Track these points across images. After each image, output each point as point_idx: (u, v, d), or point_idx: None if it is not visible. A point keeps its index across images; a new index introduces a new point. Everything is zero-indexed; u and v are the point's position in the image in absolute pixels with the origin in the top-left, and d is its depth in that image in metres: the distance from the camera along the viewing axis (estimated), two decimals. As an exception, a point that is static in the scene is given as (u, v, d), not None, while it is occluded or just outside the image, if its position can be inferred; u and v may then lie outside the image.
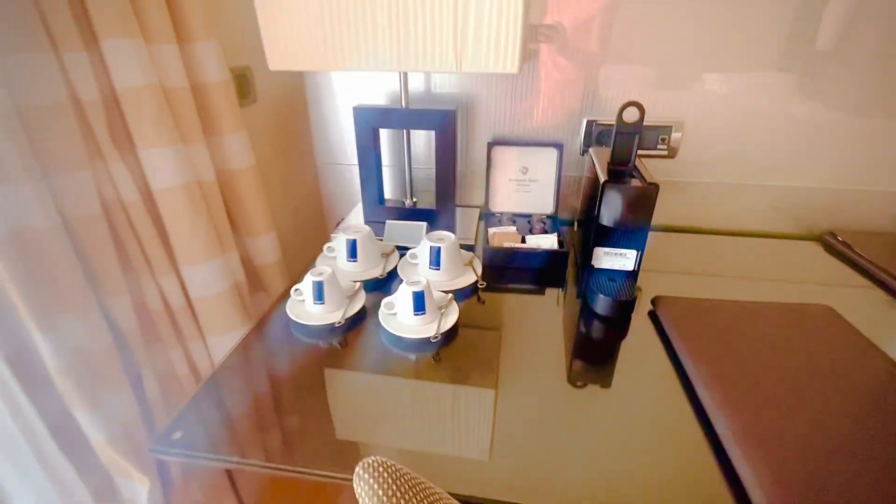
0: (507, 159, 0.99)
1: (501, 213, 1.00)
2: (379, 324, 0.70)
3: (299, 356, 0.66)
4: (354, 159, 1.10)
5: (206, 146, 0.80)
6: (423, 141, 1.05)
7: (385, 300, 0.70)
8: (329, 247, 0.85)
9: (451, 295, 0.72)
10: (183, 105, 0.75)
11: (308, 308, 0.71)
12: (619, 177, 0.70)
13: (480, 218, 1.04)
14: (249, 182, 0.89)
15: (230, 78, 0.82)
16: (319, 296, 0.70)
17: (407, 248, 0.88)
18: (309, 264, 0.89)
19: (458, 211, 1.05)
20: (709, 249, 0.99)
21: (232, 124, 0.84)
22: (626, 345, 0.70)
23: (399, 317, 0.69)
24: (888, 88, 0.87)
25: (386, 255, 0.87)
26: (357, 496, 0.32)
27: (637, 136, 0.72)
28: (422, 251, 0.81)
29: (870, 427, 0.51)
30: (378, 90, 1.02)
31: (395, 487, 0.31)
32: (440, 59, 0.71)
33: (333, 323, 0.68)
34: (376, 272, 0.82)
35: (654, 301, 0.74)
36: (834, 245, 0.96)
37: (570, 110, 0.97)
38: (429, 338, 0.65)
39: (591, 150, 0.84)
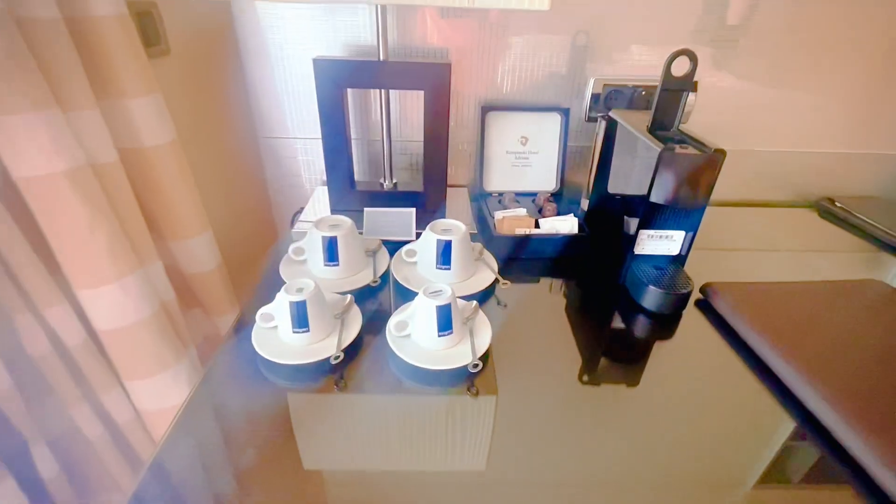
0: (503, 127, 0.82)
1: (502, 193, 0.84)
2: (385, 350, 0.52)
3: (283, 413, 0.46)
4: (306, 131, 0.88)
5: (102, 113, 0.55)
6: (393, 106, 0.85)
7: (395, 320, 0.52)
8: (296, 247, 0.64)
9: (474, 303, 0.56)
10: (56, 48, 0.49)
11: (285, 338, 0.51)
12: (668, 143, 0.57)
13: (472, 199, 0.88)
14: (171, 163, 0.64)
15: (128, 14, 0.56)
16: (302, 321, 0.50)
17: (392, 244, 0.70)
18: (260, 271, 0.67)
19: (445, 192, 0.88)
20: (705, 221, 0.91)
21: (139, 82, 0.58)
22: (680, 341, 0.59)
23: (416, 339, 0.52)
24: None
25: (372, 253, 0.68)
26: None
27: (686, 95, 0.59)
28: (424, 247, 0.63)
29: None
30: (333, 39, 0.79)
31: None
32: (444, -12, 0.53)
33: (328, 358, 0.49)
34: (366, 278, 0.63)
35: (703, 289, 0.64)
36: (833, 211, 0.93)
37: (569, 69, 0.83)
38: (465, 366, 0.49)
39: (613, 112, 0.70)
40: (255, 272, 0.69)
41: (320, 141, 0.73)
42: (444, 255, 0.61)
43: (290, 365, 0.49)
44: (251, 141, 0.89)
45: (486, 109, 0.80)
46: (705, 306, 0.63)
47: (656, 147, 0.55)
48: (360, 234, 0.72)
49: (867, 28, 0.81)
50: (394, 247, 0.69)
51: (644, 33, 0.80)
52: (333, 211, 0.79)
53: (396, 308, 0.56)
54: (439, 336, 0.50)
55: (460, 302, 0.56)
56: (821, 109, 0.88)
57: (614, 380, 0.52)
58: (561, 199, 0.84)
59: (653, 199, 0.58)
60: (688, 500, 0.40)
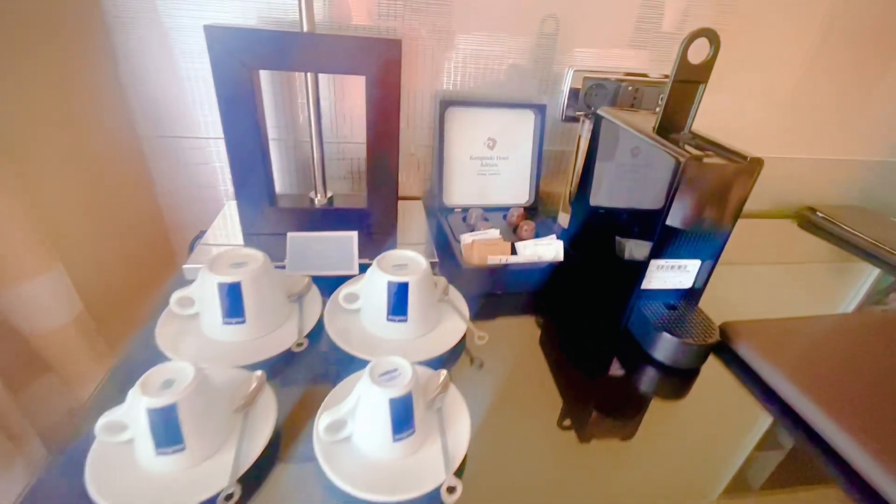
0: (467, 127, 0.67)
1: (466, 209, 0.68)
2: (311, 469, 0.34)
3: None
4: (213, 129, 0.67)
5: None
6: (326, 95, 0.66)
7: (325, 419, 0.34)
8: (182, 297, 0.44)
9: (443, 374, 0.39)
10: None
11: (145, 463, 0.32)
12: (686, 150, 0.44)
13: (428, 214, 0.71)
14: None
15: None
16: (172, 435, 0.31)
17: (327, 281, 0.52)
18: (136, 328, 0.46)
19: (395, 207, 0.71)
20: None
21: None
22: (702, 398, 0.46)
23: (360, 444, 0.34)
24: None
25: (298, 298, 0.49)
26: None
27: (704, 87, 0.47)
28: (370, 290, 0.46)
29: None
30: (245, 6, 0.59)
31: None
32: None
33: (217, 497, 0.30)
34: (287, 338, 0.45)
35: (723, 329, 0.52)
36: (814, 221, 0.87)
37: (539, 60, 0.69)
38: (437, 491, 0.32)
39: (601, 110, 0.57)
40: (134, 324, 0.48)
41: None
42: (399, 302, 0.44)
43: (150, 513, 0.30)
44: (129, 140, 0.66)
45: (447, 104, 0.64)
46: (724, 349, 0.51)
47: (677, 157, 0.42)
48: (282, 267, 0.53)
49: (839, 29, 0.73)
50: (330, 285, 0.51)
51: (627, 15, 0.67)
52: (247, 236, 0.60)
53: (334, 385, 0.39)
54: (395, 441, 0.33)
55: (423, 373, 0.39)
56: (795, 114, 0.81)
57: (636, 464, 0.38)
58: (536, 214, 0.70)
59: (671, 222, 0.44)
60: None
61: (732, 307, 0.55)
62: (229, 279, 0.41)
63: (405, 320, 0.45)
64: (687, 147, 0.44)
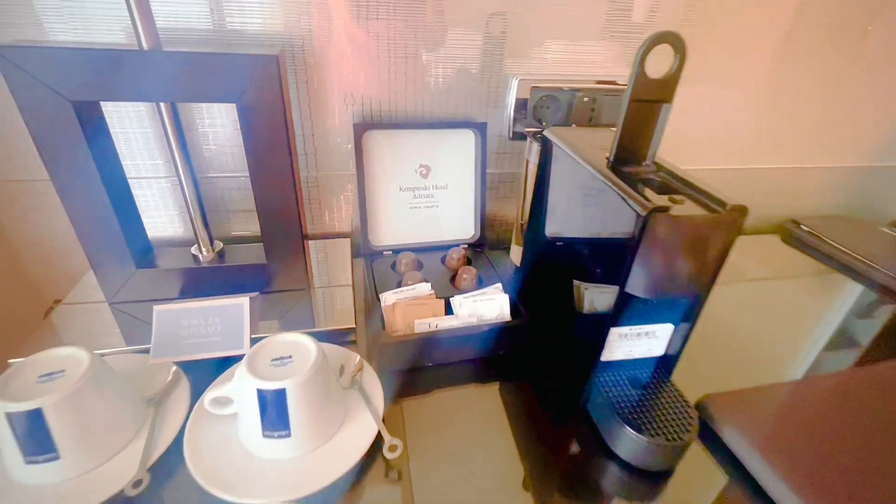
0: (393, 154, 0.55)
1: (398, 251, 0.57)
2: None
3: None
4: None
5: None
6: (216, 117, 0.54)
7: None
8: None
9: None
10: None
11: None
12: (645, 193, 0.34)
13: (356, 255, 0.60)
14: None
15: None
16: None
17: (212, 366, 0.40)
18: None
19: (313, 250, 0.60)
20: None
21: None
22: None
23: None
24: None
25: (155, 403, 0.37)
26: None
27: (667, 109, 0.36)
28: (242, 396, 0.34)
29: None
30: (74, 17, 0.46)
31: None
32: None
33: None
34: (124, 471, 0.33)
35: (703, 408, 0.42)
36: (798, 235, 0.78)
37: (480, 66, 0.57)
38: None
39: (548, 131, 0.46)
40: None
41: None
42: (276, 414, 0.33)
43: None
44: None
45: (363, 128, 0.53)
46: (706, 431, 0.41)
47: (636, 207, 0.31)
48: (143, 353, 0.41)
49: (813, 17, 0.64)
50: (218, 368, 0.40)
51: (586, 16, 0.57)
52: (113, 304, 0.47)
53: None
54: None
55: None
56: (772, 117, 0.72)
57: None
58: (482, 253, 0.59)
59: (631, 289, 0.34)
60: None
61: (713, 352, 0.46)
62: (24, 406, 0.29)
63: (287, 436, 0.34)
64: (648, 189, 0.34)
